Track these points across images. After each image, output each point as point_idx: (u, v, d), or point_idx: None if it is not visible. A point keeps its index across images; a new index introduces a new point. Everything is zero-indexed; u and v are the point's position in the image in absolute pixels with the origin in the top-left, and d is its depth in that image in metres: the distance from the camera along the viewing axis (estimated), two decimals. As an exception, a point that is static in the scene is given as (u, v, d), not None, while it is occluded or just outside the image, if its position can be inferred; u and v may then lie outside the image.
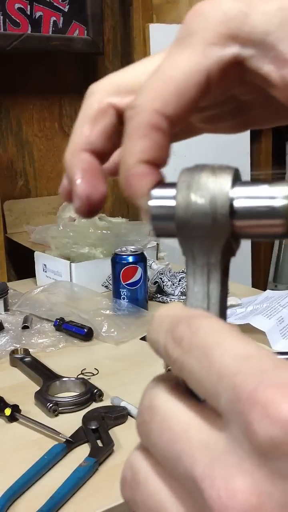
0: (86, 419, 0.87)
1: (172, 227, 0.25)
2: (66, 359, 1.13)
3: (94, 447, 0.81)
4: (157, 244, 1.72)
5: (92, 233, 1.53)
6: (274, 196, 0.23)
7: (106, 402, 0.95)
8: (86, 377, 1.03)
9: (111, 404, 0.94)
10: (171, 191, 0.25)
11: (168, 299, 1.41)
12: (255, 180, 0.25)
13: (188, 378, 0.21)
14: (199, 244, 0.24)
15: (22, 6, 1.59)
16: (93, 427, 0.84)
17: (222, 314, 0.25)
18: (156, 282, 1.44)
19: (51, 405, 0.91)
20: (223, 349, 0.20)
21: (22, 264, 1.70)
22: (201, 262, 0.25)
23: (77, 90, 1.82)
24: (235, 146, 1.99)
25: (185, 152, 1.68)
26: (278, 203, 0.23)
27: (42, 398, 0.94)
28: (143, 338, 1.22)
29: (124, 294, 1.33)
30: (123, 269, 1.32)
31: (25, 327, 1.23)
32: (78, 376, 1.04)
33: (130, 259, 1.32)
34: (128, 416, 0.90)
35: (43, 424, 0.87)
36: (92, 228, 1.55)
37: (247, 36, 0.24)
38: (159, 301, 1.42)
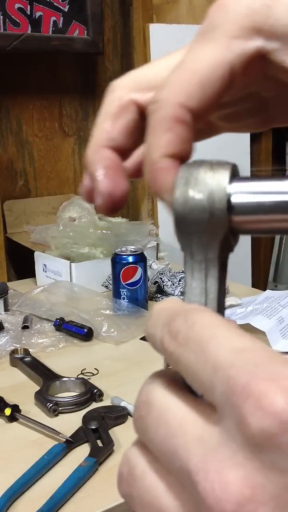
0: (86, 419, 0.87)
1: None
2: (66, 359, 1.13)
3: (94, 447, 0.81)
4: (157, 244, 1.72)
5: (92, 233, 1.53)
6: (273, 191, 0.23)
7: (106, 402, 0.95)
8: (86, 377, 1.03)
9: (111, 404, 0.94)
10: None
11: (168, 299, 1.41)
12: (254, 176, 0.25)
13: (184, 372, 0.21)
14: (197, 239, 0.24)
15: (22, 6, 1.59)
16: (93, 427, 0.84)
17: (220, 310, 0.25)
18: (156, 282, 1.44)
19: (51, 405, 0.91)
20: (218, 343, 0.20)
21: (22, 264, 1.70)
22: (199, 257, 0.25)
23: (77, 90, 1.82)
24: (235, 146, 1.99)
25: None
26: (276, 198, 0.23)
27: (42, 398, 0.94)
28: (143, 338, 1.22)
29: (124, 294, 1.33)
30: (123, 269, 1.32)
31: (25, 327, 1.23)
32: (78, 376, 1.04)
33: (130, 259, 1.32)
34: (128, 416, 0.90)
35: (43, 424, 0.87)
36: (92, 228, 1.55)
37: (271, 29, 0.24)
38: (159, 301, 1.42)
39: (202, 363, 0.20)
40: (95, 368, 1.07)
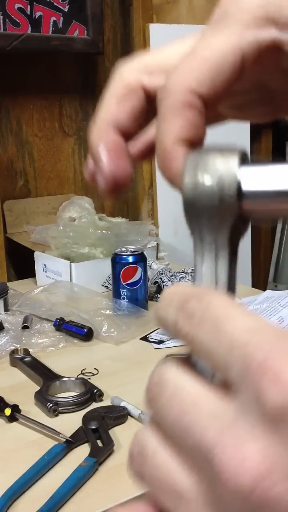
0: (86, 419, 0.87)
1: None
2: (66, 359, 1.13)
3: (94, 447, 0.81)
4: (157, 244, 1.72)
5: (92, 233, 1.53)
6: (283, 176, 0.23)
7: (106, 402, 0.95)
8: (86, 377, 1.03)
9: (111, 404, 0.94)
10: None
11: (168, 299, 1.41)
12: (263, 161, 0.24)
13: (198, 352, 0.21)
14: (207, 224, 0.24)
15: (22, 6, 1.59)
16: (93, 427, 0.84)
17: (231, 293, 0.25)
18: (156, 282, 1.44)
19: (51, 405, 0.91)
20: (233, 323, 0.20)
21: (22, 264, 1.70)
22: (209, 241, 0.25)
23: (77, 90, 1.82)
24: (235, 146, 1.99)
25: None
26: (286, 183, 0.23)
27: (42, 398, 0.94)
28: (143, 338, 1.22)
29: (124, 294, 1.33)
30: (123, 269, 1.32)
31: (25, 327, 1.23)
32: (78, 376, 1.04)
33: (130, 259, 1.32)
34: (128, 416, 0.90)
35: (43, 424, 0.87)
36: (92, 228, 1.55)
37: (285, 19, 0.24)
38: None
39: (217, 342, 0.20)
40: (95, 368, 1.07)
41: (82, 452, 0.81)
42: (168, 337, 1.21)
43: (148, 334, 1.24)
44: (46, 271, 1.54)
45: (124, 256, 1.33)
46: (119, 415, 0.89)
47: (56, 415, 0.92)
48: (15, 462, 0.80)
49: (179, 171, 0.25)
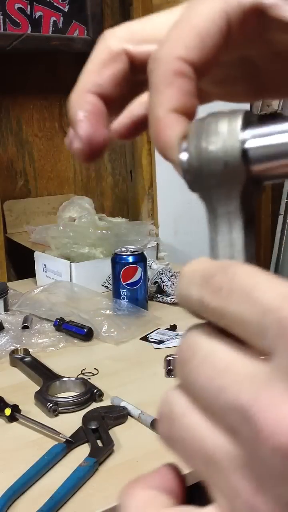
0: (86, 419, 0.87)
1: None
2: (66, 359, 1.13)
3: (94, 447, 0.81)
4: (157, 244, 1.72)
5: (92, 233, 1.53)
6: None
7: (106, 402, 0.95)
8: (86, 377, 1.03)
9: (111, 404, 0.94)
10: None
11: (168, 299, 1.41)
12: (269, 120, 0.23)
13: (230, 322, 0.21)
14: (216, 192, 0.23)
15: (22, 6, 1.59)
16: (93, 427, 0.84)
17: (251, 261, 0.24)
18: (156, 282, 1.44)
19: (51, 405, 0.91)
20: (263, 289, 0.20)
21: (22, 264, 1.70)
22: (221, 211, 0.24)
23: (77, 90, 1.82)
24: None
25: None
26: None
27: (42, 398, 0.94)
28: (143, 338, 1.22)
29: (124, 294, 1.33)
30: (123, 269, 1.32)
31: (25, 327, 1.23)
32: (78, 376, 1.04)
33: (130, 259, 1.32)
34: (128, 416, 0.90)
35: (43, 424, 0.87)
36: (92, 228, 1.55)
37: None
38: (159, 301, 1.42)
39: (249, 310, 0.20)
40: (95, 368, 1.07)
41: (82, 452, 0.81)
42: (167, 338, 1.21)
43: (148, 334, 1.24)
44: (46, 271, 1.54)
45: (124, 256, 1.33)
46: (119, 415, 0.89)
47: (56, 415, 0.92)
48: (15, 462, 0.80)
49: (170, 141, 0.24)
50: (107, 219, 1.71)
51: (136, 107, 0.30)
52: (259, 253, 2.40)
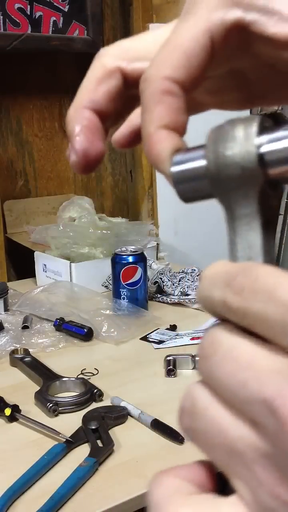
0: (86, 419, 0.87)
1: (195, 190, 0.26)
2: (66, 359, 1.13)
3: (94, 447, 0.81)
4: (157, 244, 1.72)
5: (92, 233, 1.53)
6: None
7: (106, 402, 0.95)
8: (86, 377, 1.03)
9: (111, 404, 0.94)
10: (192, 155, 0.25)
11: (168, 299, 1.41)
12: (282, 124, 0.24)
13: (253, 321, 0.21)
14: (234, 195, 0.24)
15: (22, 6, 1.59)
16: (93, 427, 0.84)
17: (269, 262, 0.25)
18: (156, 282, 1.44)
19: (51, 405, 0.91)
20: (286, 288, 0.21)
21: (22, 264, 1.70)
22: (239, 213, 0.24)
23: (77, 90, 1.81)
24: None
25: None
26: None
27: (42, 398, 0.94)
28: (143, 338, 1.22)
29: (124, 294, 1.33)
30: (123, 269, 1.32)
31: (25, 327, 1.23)
32: (78, 376, 1.04)
33: (130, 259, 1.32)
34: (128, 416, 0.90)
35: (43, 424, 0.87)
36: (92, 228, 1.55)
37: (249, 1, 0.25)
38: (159, 301, 1.42)
39: (273, 309, 0.21)
40: (95, 368, 1.07)
41: (82, 452, 0.81)
42: (167, 338, 1.21)
43: (148, 334, 1.24)
44: (46, 271, 1.54)
45: (124, 256, 1.33)
46: (119, 415, 0.89)
47: (56, 415, 0.92)
48: (15, 462, 0.80)
49: (161, 155, 0.26)
50: (107, 219, 1.71)
51: (135, 118, 0.32)
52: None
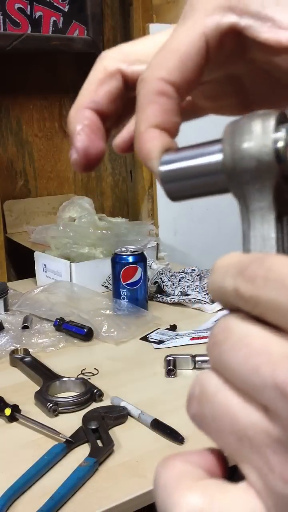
0: (86, 419, 0.87)
1: (182, 189, 0.26)
2: (66, 359, 1.13)
3: (94, 447, 0.81)
4: (157, 244, 1.72)
5: (92, 233, 1.53)
6: None
7: (106, 402, 0.95)
8: (86, 377, 1.03)
9: (111, 404, 0.94)
10: (181, 155, 0.26)
11: (168, 299, 1.41)
12: None
13: (265, 310, 0.21)
14: (249, 188, 0.24)
15: (22, 6, 1.59)
16: (93, 427, 0.84)
17: (282, 254, 0.25)
18: (156, 282, 1.44)
19: (51, 405, 0.91)
20: None
21: (22, 264, 1.70)
22: (254, 206, 0.25)
23: (77, 90, 1.79)
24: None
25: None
26: None
27: (42, 398, 0.94)
28: (143, 338, 1.22)
29: (124, 294, 1.33)
30: (123, 269, 1.32)
31: (25, 327, 1.23)
32: (78, 376, 1.04)
33: (130, 259, 1.32)
34: (128, 416, 0.90)
35: (43, 424, 0.87)
36: (92, 228, 1.55)
37: (244, 7, 0.26)
38: (159, 301, 1.42)
39: (285, 297, 0.21)
40: (95, 368, 1.07)
41: (82, 452, 0.81)
42: (167, 338, 1.21)
43: (148, 334, 1.24)
44: (46, 271, 1.54)
45: (124, 256, 1.33)
46: (119, 415, 0.89)
47: (56, 415, 0.92)
48: (15, 462, 0.80)
49: (150, 153, 0.27)
50: (107, 219, 1.71)
51: (134, 124, 0.33)
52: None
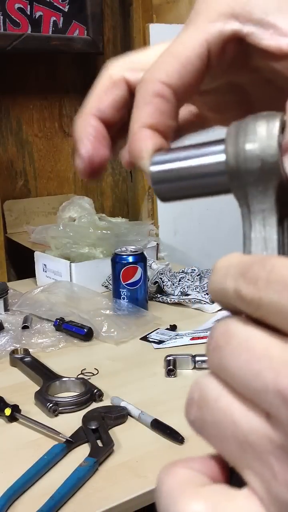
0: (86, 419, 0.87)
1: (172, 190, 0.26)
2: (66, 359, 1.13)
3: (94, 447, 0.81)
4: (157, 244, 1.72)
5: (92, 233, 1.53)
6: None
7: (106, 402, 0.95)
8: (86, 377, 1.03)
9: (111, 404, 0.94)
10: (175, 155, 0.26)
11: (168, 299, 1.41)
12: None
13: (267, 312, 0.21)
14: (252, 190, 0.24)
15: (22, 6, 1.59)
16: (93, 427, 0.84)
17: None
18: (156, 282, 1.44)
19: (51, 405, 0.91)
20: None
21: (22, 264, 1.70)
22: (256, 208, 0.24)
23: (77, 90, 1.82)
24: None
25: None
26: None
27: (42, 398, 0.94)
28: (143, 338, 1.22)
29: (124, 294, 1.33)
30: (123, 269, 1.32)
31: (25, 327, 1.23)
32: (78, 376, 1.04)
33: (130, 259, 1.32)
34: (128, 416, 0.90)
35: (43, 424, 0.87)
36: (92, 228, 1.55)
37: (247, 15, 0.26)
38: (159, 301, 1.42)
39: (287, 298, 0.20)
40: (95, 368, 1.07)
41: (82, 452, 0.81)
42: (167, 338, 1.21)
43: (148, 334, 1.24)
44: (46, 271, 1.54)
45: (124, 256, 1.33)
46: (119, 415, 0.89)
47: (56, 415, 0.92)
48: (15, 462, 0.80)
49: (141, 153, 0.27)
50: (107, 219, 1.71)
51: None
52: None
